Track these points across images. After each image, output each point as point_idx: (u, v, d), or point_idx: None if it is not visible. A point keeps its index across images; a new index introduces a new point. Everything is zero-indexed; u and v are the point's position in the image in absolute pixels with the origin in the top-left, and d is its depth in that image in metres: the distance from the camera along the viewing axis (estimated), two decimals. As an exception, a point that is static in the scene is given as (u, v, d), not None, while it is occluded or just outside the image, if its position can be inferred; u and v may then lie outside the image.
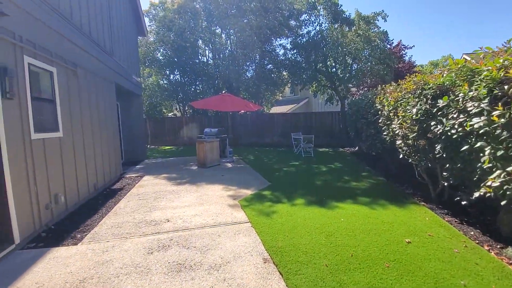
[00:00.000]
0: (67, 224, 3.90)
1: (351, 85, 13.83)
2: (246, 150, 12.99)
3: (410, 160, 4.57)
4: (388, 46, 15.42)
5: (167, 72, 18.28)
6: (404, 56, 16.71)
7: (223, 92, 16.73)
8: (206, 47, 18.89)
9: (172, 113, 22.86)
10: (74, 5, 5.10)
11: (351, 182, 5.95)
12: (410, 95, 4.32)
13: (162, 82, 18.66)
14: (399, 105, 4.63)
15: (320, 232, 3.37)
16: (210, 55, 18.88)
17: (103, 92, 6.38)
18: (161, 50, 18.31)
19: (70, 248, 3.10)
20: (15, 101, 3.15)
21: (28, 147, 3.41)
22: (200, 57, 18.32)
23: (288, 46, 14.76)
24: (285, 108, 20.96)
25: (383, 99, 5.62)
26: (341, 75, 12.98)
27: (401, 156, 4.78)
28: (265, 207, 4.38)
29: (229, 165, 8.82)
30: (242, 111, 16.81)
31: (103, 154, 6.11)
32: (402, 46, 16.62)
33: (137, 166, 8.98)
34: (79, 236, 3.48)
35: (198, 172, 7.57)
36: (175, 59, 16.92)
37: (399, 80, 5.24)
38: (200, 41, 18.08)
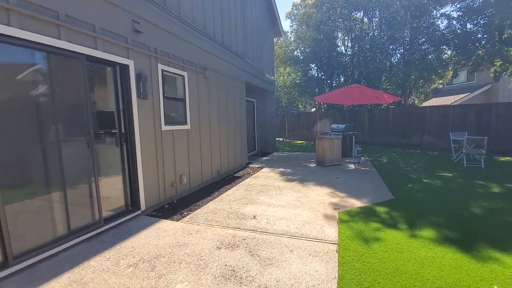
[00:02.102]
0: (185, 201, 4.69)
1: None
2: (381, 150, 10.97)
3: None
4: None
5: (305, 68, 18.59)
6: None
7: (362, 83, 14.94)
8: (345, 37, 17.55)
9: (314, 108, 23.27)
10: (208, 19, 5.96)
11: (548, 221, 3.51)
12: None
13: (298, 80, 19.24)
14: None
15: (440, 292, 2.13)
16: (349, 44, 17.36)
17: (232, 90, 7.21)
18: (300, 47, 18.82)
19: (172, 223, 3.66)
20: (149, 100, 4.05)
21: (159, 136, 4.32)
22: (337, 48, 17.26)
23: (454, 14, 10.90)
24: (450, 99, 15.84)
25: None
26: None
27: None
28: (369, 229, 3.37)
29: (352, 166, 7.73)
30: (385, 105, 14.40)
31: (228, 145, 6.96)
32: None
33: (263, 158, 9.70)
34: (185, 213, 4.07)
35: (313, 170, 7.12)
36: (311, 55, 16.86)
37: None
38: (338, 32, 17.00)
